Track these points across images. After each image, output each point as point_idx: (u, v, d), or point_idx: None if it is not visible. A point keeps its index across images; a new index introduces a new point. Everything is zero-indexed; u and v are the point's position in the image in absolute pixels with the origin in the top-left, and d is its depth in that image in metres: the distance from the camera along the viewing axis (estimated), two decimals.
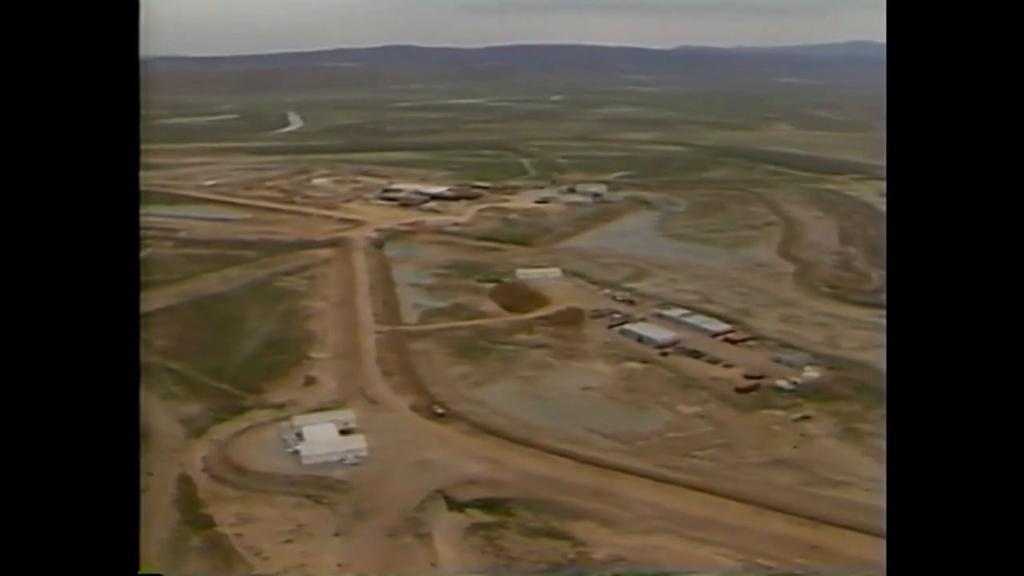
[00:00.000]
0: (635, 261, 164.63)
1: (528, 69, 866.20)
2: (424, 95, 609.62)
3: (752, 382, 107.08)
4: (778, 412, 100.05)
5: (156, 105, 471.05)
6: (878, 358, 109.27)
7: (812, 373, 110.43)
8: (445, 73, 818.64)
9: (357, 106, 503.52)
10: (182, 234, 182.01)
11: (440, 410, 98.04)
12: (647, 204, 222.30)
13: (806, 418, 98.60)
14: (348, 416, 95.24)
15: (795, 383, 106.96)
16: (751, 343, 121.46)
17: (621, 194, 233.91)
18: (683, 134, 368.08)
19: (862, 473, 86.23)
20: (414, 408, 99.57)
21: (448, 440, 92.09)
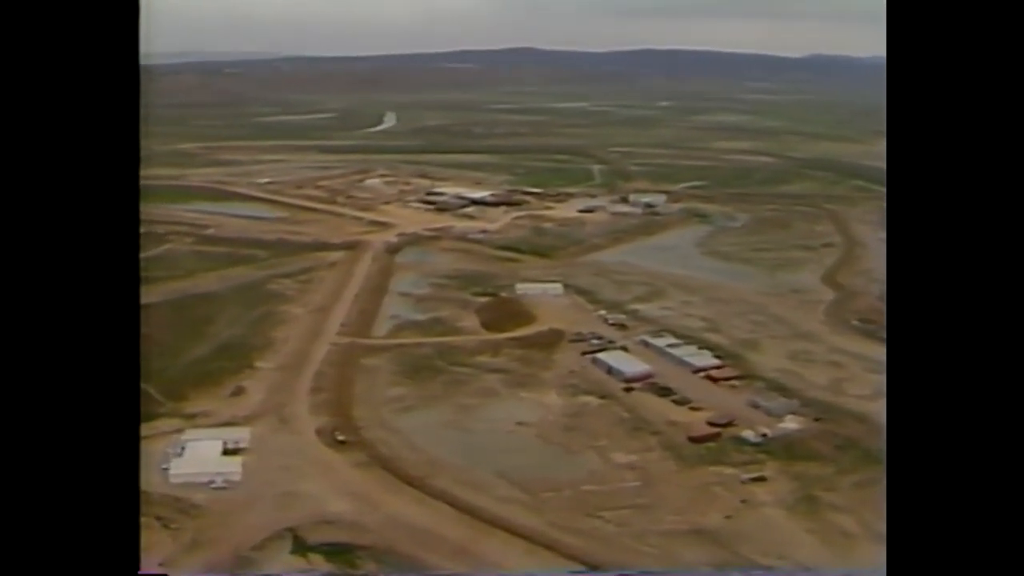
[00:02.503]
0: (655, 280, 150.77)
1: (651, 74, 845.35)
2: (533, 98, 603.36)
3: (713, 430, 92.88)
4: (728, 470, 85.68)
5: (264, 103, 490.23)
6: (884, 409, 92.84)
7: (791, 424, 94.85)
8: (564, 76, 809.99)
9: (459, 107, 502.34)
10: (209, 231, 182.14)
11: (342, 437, 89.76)
12: (702, 217, 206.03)
13: (759, 480, 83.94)
14: (241, 435, 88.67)
15: (764, 435, 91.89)
16: (735, 382, 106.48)
17: (679, 206, 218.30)
18: (782, 144, 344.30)
19: (796, 555, 71.84)
20: (320, 432, 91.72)
21: (333, 471, 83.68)
